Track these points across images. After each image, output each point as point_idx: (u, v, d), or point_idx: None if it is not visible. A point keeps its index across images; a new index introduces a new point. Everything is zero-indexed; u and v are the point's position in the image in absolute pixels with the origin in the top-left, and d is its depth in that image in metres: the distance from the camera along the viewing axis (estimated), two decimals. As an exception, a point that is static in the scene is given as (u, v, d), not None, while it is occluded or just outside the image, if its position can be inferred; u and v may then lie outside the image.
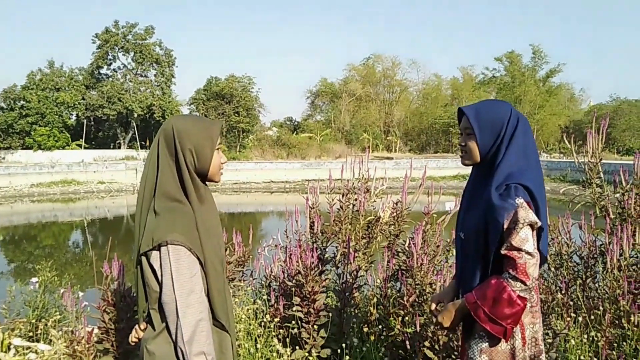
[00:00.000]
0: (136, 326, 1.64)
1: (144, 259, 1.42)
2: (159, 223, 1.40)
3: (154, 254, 1.39)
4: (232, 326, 1.62)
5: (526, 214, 1.48)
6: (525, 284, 1.47)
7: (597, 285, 3.24)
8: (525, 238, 1.47)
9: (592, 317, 2.89)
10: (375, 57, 47.10)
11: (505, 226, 1.49)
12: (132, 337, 1.62)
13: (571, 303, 2.96)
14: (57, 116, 32.54)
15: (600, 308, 2.87)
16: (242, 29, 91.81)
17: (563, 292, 2.99)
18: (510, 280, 1.48)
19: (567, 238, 3.65)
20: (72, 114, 35.56)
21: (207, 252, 1.47)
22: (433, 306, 1.82)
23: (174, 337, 1.39)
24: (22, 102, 32.36)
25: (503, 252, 1.50)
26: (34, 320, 3.23)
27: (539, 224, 1.51)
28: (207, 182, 1.58)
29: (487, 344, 1.58)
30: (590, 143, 4.08)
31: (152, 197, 1.46)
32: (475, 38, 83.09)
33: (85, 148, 33.60)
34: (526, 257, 1.47)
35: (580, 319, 2.85)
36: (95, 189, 26.69)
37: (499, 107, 1.66)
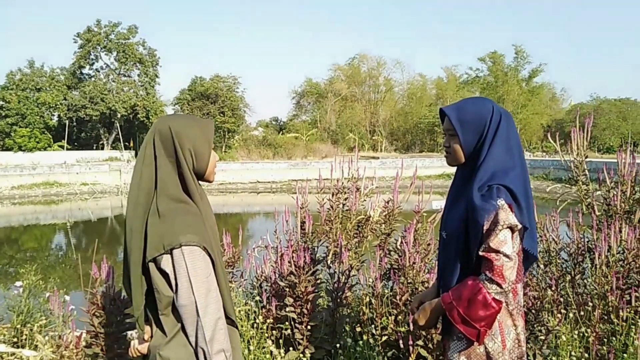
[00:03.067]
0: (133, 342, 1.60)
1: (152, 265, 1.39)
2: (168, 225, 1.38)
3: (165, 258, 1.37)
4: (237, 322, 1.63)
5: (506, 216, 1.45)
6: (501, 287, 1.44)
7: (586, 281, 3.28)
8: (503, 240, 1.45)
9: (582, 313, 2.92)
10: (360, 57, 47.26)
11: (485, 228, 1.47)
12: (133, 351, 1.58)
13: (561, 300, 2.98)
14: (38, 117, 31.87)
15: (590, 304, 2.91)
16: (226, 29, 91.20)
17: (553, 288, 3.02)
18: (486, 282, 1.46)
19: (554, 235, 3.69)
20: (53, 115, 34.87)
21: (216, 251, 1.47)
22: (415, 304, 1.81)
23: (192, 339, 1.38)
24: (1, 102, 31.65)
25: (481, 253, 1.48)
26: (18, 326, 3.14)
27: (519, 226, 1.49)
28: (200, 182, 1.56)
29: (465, 345, 1.56)
30: (575, 141, 4.14)
31: (151, 199, 1.43)
32: (459, 38, 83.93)
33: (67, 149, 32.98)
34: (503, 259, 1.44)
35: (570, 315, 2.88)
36: (78, 191, 26.24)
37: (480, 104, 1.62)
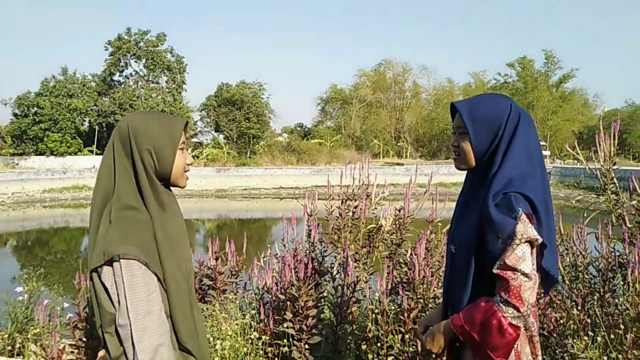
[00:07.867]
0: (100, 352, 1.46)
1: (95, 276, 1.25)
2: (111, 234, 1.24)
3: (106, 270, 1.22)
4: (205, 350, 1.43)
5: (525, 229, 1.26)
6: (518, 310, 1.25)
7: (617, 300, 2.98)
8: (521, 256, 1.25)
9: (613, 336, 2.63)
10: (386, 63, 47.10)
11: (501, 242, 1.28)
12: None
13: (588, 321, 2.70)
14: (69, 122, 32.88)
15: (622, 326, 2.62)
16: (253, 35, 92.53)
17: (579, 308, 2.74)
18: (501, 304, 1.26)
19: (582, 248, 3.40)
20: (84, 121, 35.94)
21: (168, 267, 1.29)
22: (420, 329, 1.60)
23: None
24: (35, 108, 32.80)
25: (495, 271, 1.28)
26: (16, 334, 3.07)
27: (540, 240, 1.29)
28: (171, 188, 1.41)
29: None
30: (602, 147, 3.84)
31: (107, 204, 1.30)
32: (487, 44, 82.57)
33: (96, 154, 33.87)
34: (521, 278, 1.25)
35: (599, 339, 2.60)
36: (106, 195, 26.83)
37: (497, 101, 1.44)
